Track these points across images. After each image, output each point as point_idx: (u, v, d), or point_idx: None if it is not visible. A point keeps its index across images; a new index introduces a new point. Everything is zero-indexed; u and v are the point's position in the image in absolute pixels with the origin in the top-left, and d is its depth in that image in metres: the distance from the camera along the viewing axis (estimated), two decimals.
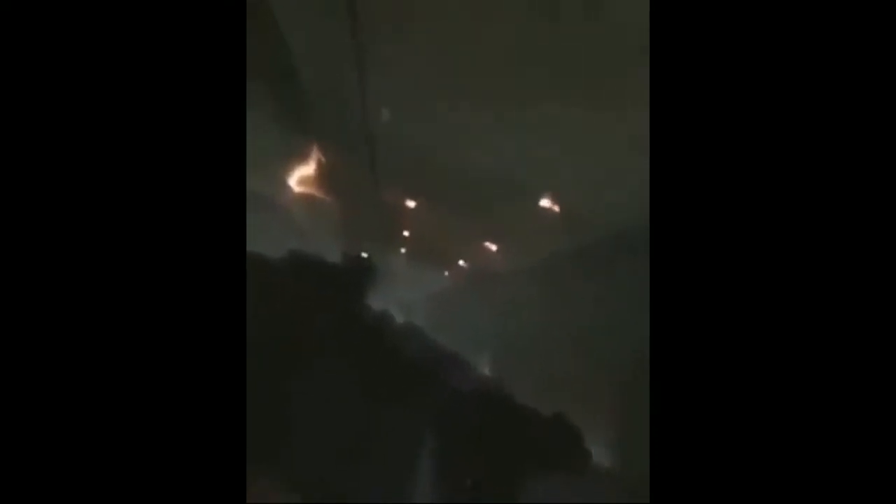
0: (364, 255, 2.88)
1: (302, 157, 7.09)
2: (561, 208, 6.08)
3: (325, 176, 7.32)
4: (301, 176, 7.51)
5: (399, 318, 2.84)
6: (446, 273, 11.18)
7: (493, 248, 8.77)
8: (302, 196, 7.78)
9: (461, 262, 10.26)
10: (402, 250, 10.91)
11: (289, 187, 7.59)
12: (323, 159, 6.98)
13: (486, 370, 4.96)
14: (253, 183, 1.27)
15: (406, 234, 9.83)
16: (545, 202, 6.11)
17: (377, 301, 2.74)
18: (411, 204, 8.32)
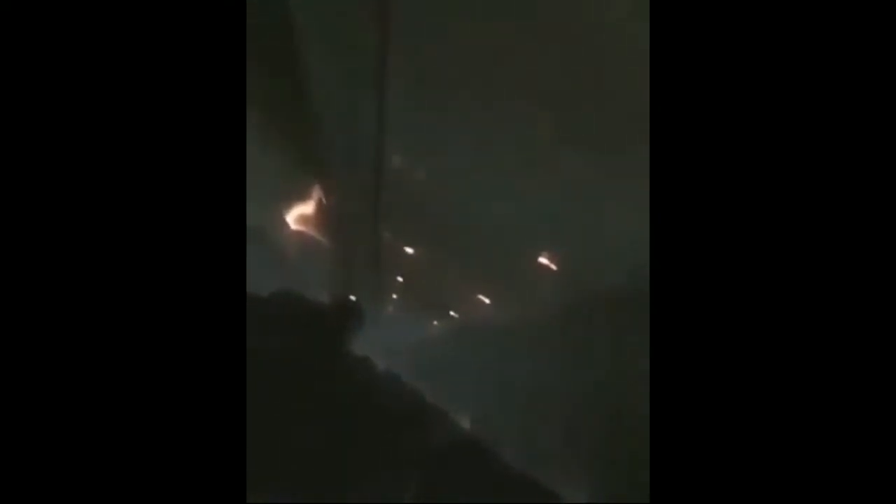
0: (352, 297, 2.83)
1: (304, 195, 7.11)
2: (558, 266, 6.07)
3: (324, 215, 7.32)
4: (300, 213, 7.52)
5: (381, 365, 2.76)
6: (435, 322, 11.09)
7: (486, 300, 8.71)
8: (297, 233, 7.77)
9: (452, 313, 10.18)
10: (394, 296, 10.85)
11: (286, 223, 7.59)
12: (324, 200, 6.99)
13: (466, 424, 4.85)
14: (248, 215, 1.25)
15: (399, 279, 9.79)
16: (543, 259, 6.10)
17: (360, 346, 2.67)
18: (409, 250, 8.32)
